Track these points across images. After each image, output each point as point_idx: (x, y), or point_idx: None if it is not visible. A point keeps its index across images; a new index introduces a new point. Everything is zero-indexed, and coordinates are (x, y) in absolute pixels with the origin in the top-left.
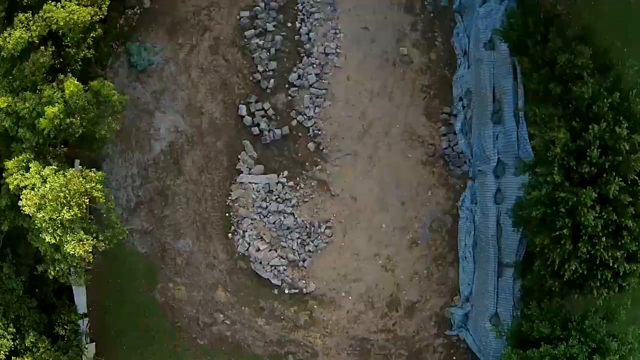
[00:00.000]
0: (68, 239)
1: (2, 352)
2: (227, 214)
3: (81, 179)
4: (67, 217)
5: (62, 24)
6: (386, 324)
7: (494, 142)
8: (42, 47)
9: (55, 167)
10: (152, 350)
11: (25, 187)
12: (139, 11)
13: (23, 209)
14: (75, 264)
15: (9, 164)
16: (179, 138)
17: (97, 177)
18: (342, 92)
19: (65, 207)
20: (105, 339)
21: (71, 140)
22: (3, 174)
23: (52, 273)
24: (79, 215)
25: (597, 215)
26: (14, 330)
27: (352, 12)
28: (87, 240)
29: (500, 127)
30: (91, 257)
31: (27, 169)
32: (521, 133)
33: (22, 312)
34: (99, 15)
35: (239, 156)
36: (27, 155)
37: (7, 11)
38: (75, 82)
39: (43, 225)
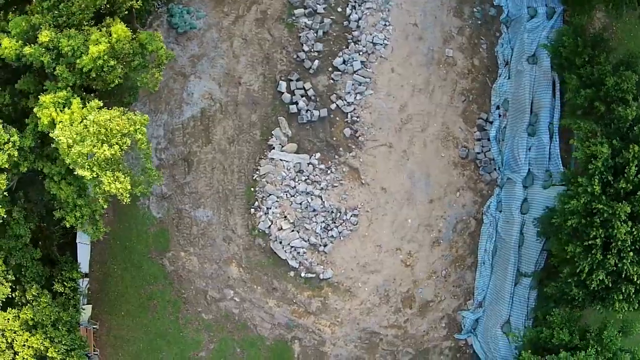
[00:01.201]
0: (107, 174)
1: None
2: (252, 189)
3: (125, 119)
4: (108, 154)
5: None
6: (398, 320)
7: (527, 153)
8: None
9: (100, 103)
10: (151, 319)
11: (60, 122)
12: None
13: (58, 140)
14: (96, 210)
15: (46, 98)
16: (212, 106)
17: (142, 120)
18: (385, 83)
19: (106, 145)
20: (102, 303)
21: (106, 88)
22: (34, 110)
23: (71, 220)
24: (119, 154)
25: (628, 230)
26: (14, 278)
27: (404, 8)
28: (124, 179)
29: (533, 139)
30: (127, 198)
31: (64, 106)
32: (553, 147)
33: (24, 261)
34: None
35: (272, 132)
36: (66, 93)
37: None
38: (124, 27)
39: (78, 160)
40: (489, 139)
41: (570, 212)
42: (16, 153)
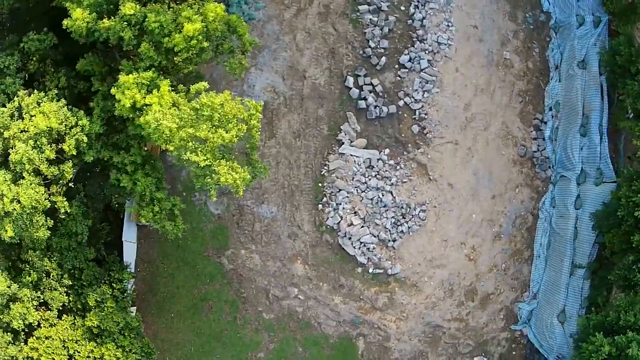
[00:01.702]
0: (221, 163)
1: (54, 306)
2: (319, 184)
3: (239, 104)
4: (225, 140)
5: None
6: (460, 313)
7: (579, 153)
8: None
9: (206, 85)
10: (205, 321)
11: (146, 105)
12: None
13: (159, 125)
14: (175, 204)
15: (128, 78)
16: (275, 99)
17: (256, 106)
18: (451, 82)
19: (222, 130)
20: (149, 304)
21: (186, 71)
22: (112, 91)
23: (148, 216)
24: (235, 141)
25: None
26: (70, 282)
27: (464, 10)
28: (241, 170)
29: (585, 140)
30: (241, 191)
31: (149, 87)
32: (603, 147)
33: (77, 262)
34: None
35: (341, 127)
36: (152, 74)
37: None
38: (221, 6)
39: (189, 144)
40: (544, 139)
41: (635, 205)
42: (85, 139)
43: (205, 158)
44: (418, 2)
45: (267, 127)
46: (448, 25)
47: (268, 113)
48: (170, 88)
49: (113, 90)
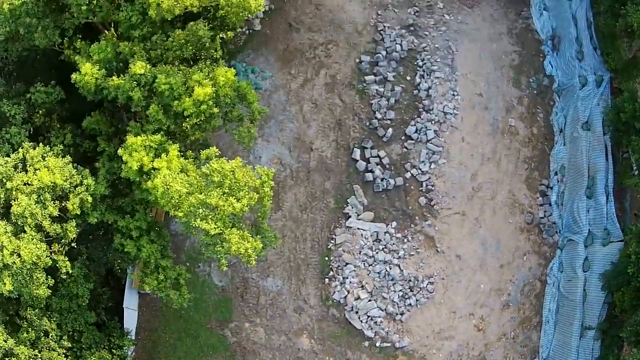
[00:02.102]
0: (233, 232)
1: None
2: (326, 258)
3: (250, 171)
4: (236, 209)
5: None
6: None
7: (586, 215)
8: (203, 21)
9: (216, 150)
10: None
11: (154, 169)
12: (247, 32)
13: (168, 189)
14: (181, 274)
15: (137, 140)
16: (282, 171)
17: (268, 173)
18: (457, 152)
19: (232, 198)
20: None
21: (194, 137)
22: (119, 152)
23: (152, 284)
24: (246, 210)
25: None
26: (69, 345)
27: (469, 78)
28: (252, 239)
29: (591, 202)
30: (253, 261)
31: (157, 151)
32: (609, 207)
33: (78, 325)
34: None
35: (348, 200)
36: (161, 137)
37: None
38: (231, 70)
39: (199, 211)
40: (550, 204)
41: None
42: (90, 199)
43: (215, 226)
44: (424, 71)
45: (273, 200)
46: (454, 94)
47: (274, 185)
48: (179, 153)
49: (120, 152)
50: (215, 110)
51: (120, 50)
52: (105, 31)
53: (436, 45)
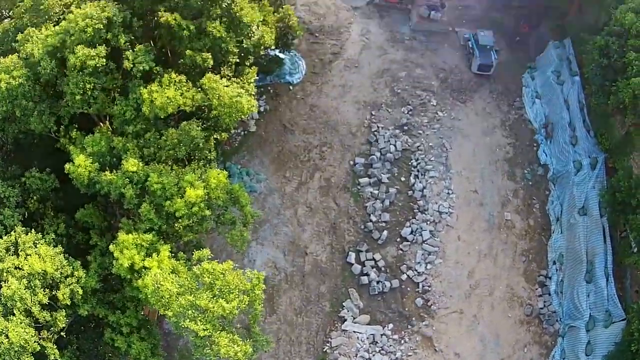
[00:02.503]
0: (222, 335)
1: None
2: None
3: (241, 274)
4: (225, 311)
5: (226, 101)
6: None
7: (587, 300)
8: (197, 120)
9: (210, 253)
10: None
11: (145, 268)
12: (242, 133)
13: (159, 288)
14: None
15: (128, 238)
16: (276, 275)
17: (258, 276)
18: (453, 251)
19: (222, 300)
20: None
21: (187, 238)
22: (110, 248)
23: None
24: (235, 312)
25: None
26: None
27: (464, 175)
28: (242, 343)
29: (591, 286)
30: None
31: (148, 251)
32: (610, 289)
33: None
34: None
35: (343, 303)
36: (152, 237)
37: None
38: (223, 173)
39: (188, 312)
40: (549, 294)
41: None
42: (80, 291)
43: (204, 328)
44: (418, 171)
45: (267, 303)
46: (449, 193)
47: (269, 289)
48: (170, 254)
49: (112, 248)
50: (207, 212)
51: (114, 145)
52: (101, 123)
53: (430, 144)
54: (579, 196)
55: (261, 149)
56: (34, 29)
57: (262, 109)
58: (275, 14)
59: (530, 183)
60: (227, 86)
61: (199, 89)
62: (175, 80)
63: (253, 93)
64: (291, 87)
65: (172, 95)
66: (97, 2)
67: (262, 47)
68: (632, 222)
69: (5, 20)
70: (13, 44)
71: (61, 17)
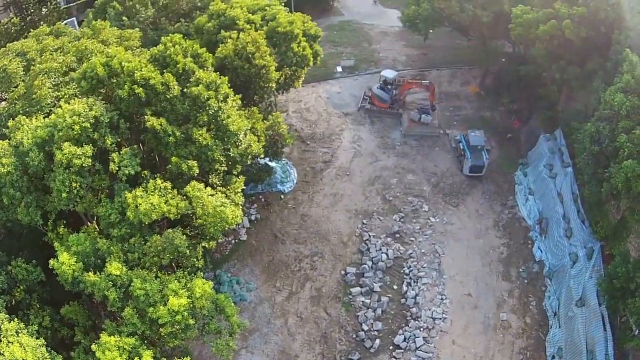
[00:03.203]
0: None
1: None
2: None
3: None
4: None
5: (210, 210)
6: None
7: None
8: (183, 229)
9: None
10: None
11: None
12: (234, 241)
13: None
14: None
15: (110, 340)
16: None
17: None
18: (448, 356)
19: None
20: None
21: (172, 344)
22: (92, 348)
23: None
24: None
25: None
26: None
27: (457, 279)
28: None
29: None
30: None
31: (130, 354)
32: None
33: None
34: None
35: None
36: (135, 341)
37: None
38: (209, 283)
39: None
40: None
41: None
42: None
43: None
44: (410, 279)
45: None
46: (442, 299)
47: None
48: None
49: (94, 347)
50: (192, 321)
51: (99, 247)
52: (88, 222)
53: (422, 251)
54: (576, 288)
55: (252, 258)
56: (25, 117)
57: (253, 218)
58: (264, 121)
59: (526, 281)
60: (212, 195)
61: (184, 197)
62: (160, 187)
63: (240, 203)
64: (282, 196)
65: (157, 203)
66: (85, 99)
67: (250, 157)
68: (631, 306)
69: (2, 103)
70: (4, 129)
71: (52, 108)
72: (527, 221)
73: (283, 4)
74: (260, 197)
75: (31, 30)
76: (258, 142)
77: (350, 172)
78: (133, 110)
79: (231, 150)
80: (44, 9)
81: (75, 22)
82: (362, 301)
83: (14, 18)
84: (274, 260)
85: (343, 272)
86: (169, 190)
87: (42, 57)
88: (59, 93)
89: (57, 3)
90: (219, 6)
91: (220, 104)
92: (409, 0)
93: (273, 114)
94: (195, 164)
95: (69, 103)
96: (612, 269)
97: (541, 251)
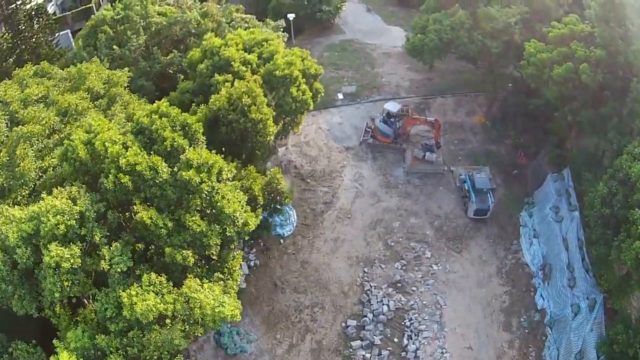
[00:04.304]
0: None
1: None
2: None
3: None
4: None
5: (208, 311)
6: None
7: None
8: (181, 323)
9: None
10: None
11: None
12: None
13: None
14: None
15: None
16: None
17: None
18: None
19: None
20: None
21: None
22: None
23: None
24: None
25: None
26: None
27: (458, 331)
28: None
29: None
30: None
31: None
32: None
33: None
34: None
35: None
36: None
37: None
38: None
39: None
40: None
41: None
42: None
43: None
44: (411, 332)
45: None
46: (442, 352)
47: None
48: None
49: None
50: None
51: (98, 343)
52: (85, 300)
53: (424, 302)
54: (576, 342)
55: (252, 308)
56: (7, 207)
57: (252, 264)
58: (263, 176)
59: (527, 331)
60: (210, 289)
61: (181, 294)
62: (155, 282)
63: (238, 282)
64: (282, 241)
65: (153, 303)
66: (68, 189)
67: (246, 232)
68: None
69: None
70: None
71: (37, 182)
72: (530, 267)
73: (282, 30)
74: (260, 241)
75: (23, 46)
76: (256, 211)
77: (351, 214)
78: (121, 198)
79: (227, 229)
80: (35, 25)
81: (70, 35)
82: (363, 355)
83: (6, 34)
84: (274, 310)
85: (344, 324)
86: (165, 285)
87: (26, 110)
88: (43, 163)
89: (48, 18)
90: (213, 42)
91: (214, 184)
92: (414, 22)
93: (272, 170)
94: (190, 254)
95: (51, 192)
96: (614, 334)
97: (543, 299)
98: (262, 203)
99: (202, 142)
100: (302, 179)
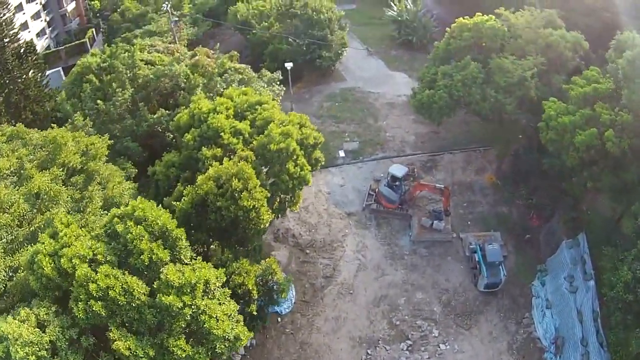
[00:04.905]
0: None
1: None
2: None
3: None
4: None
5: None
6: None
7: None
8: None
9: None
10: None
11: None
12: None
13: None
14: None
15: None
16: None
17: None
18: None
19: None
20: None
21: None
22: None
23: None
24: None
25: None
26: None
27: None
28: None
29: None
30: None
31: None
32: None
33: None
34: None
35: None
36: None
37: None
38: None
39: None
40: None
41: None
42: None
43: None
44: None
45: None
46: None
47: None
48: None
49: None
50: None
51: None
52: None
53: None
54: None
55: None
56: None
57: (248, 344)
58: (257, 264)
59: None
60: None
61: None
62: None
63: None
64: (280, 319)
65: None
66: (36, 311)
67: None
68: None
69: None
70: None
71: (8, 282)
72: (542, 342)
73: (279, 82)
74: None
75: (12, 87)
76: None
77: (353, 289)
78: (95, 323)
79: (217, 347)
80: (24, 64)
81: (61, 72)
82: None
83: None
84: None
85: None
86: None
87: None
88: (13, 262)
89: (37, 57)
90: (203, 105)
91: (199, 303)
92: (421, 74)
93: (266, 260)
94: None
95: (16, 316)
96: None
97: None
98: (255, 297)
99: (186, 248)
100: (301, 249)
